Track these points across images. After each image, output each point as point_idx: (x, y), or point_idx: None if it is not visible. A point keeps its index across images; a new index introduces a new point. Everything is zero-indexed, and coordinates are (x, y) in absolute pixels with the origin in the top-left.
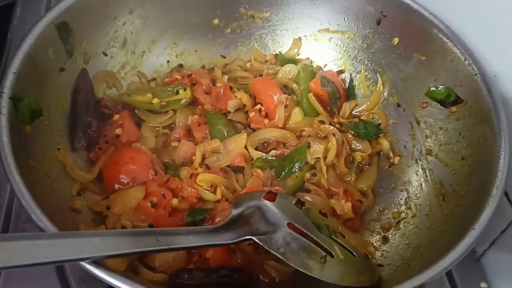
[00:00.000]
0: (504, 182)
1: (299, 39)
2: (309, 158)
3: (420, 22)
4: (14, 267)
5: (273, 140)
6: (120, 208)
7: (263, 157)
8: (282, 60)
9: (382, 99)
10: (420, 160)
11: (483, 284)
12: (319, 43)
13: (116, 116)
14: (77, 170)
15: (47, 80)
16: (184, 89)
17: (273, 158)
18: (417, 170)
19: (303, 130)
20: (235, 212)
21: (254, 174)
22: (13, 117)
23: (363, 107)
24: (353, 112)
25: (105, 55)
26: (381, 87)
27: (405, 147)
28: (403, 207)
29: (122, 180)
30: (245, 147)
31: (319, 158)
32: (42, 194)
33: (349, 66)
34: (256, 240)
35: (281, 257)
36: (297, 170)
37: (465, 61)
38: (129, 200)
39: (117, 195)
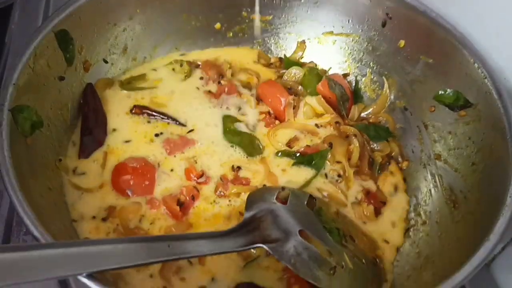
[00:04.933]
0: None
1: (303, 42)
2: (330, 162)
3: (426, 24)
4: (21, 282)
5: (294, 136)
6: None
7: (286, 150)
8: (287, 63)
9: (388, 103)
10: (429, 165)
11: None
12: (323, 46)
13: None
14: (78, 180)
15: (47, 89)
16: (181, 65)
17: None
18: (426, 176)
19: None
20: (247, 215)
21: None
22: (13, 129)
23: (369, 110)
24: (361, 115)
25: (106, 62)
26: (388, 91)
27: (413, 151)
28: (413, 214)
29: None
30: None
31: (341, 162)
32: (44, 208)
33: (354, 69)
34: (267, 249)
35: (291, 268)
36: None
37: (474, 63)
38: (126, 215)
39: (113, 209)
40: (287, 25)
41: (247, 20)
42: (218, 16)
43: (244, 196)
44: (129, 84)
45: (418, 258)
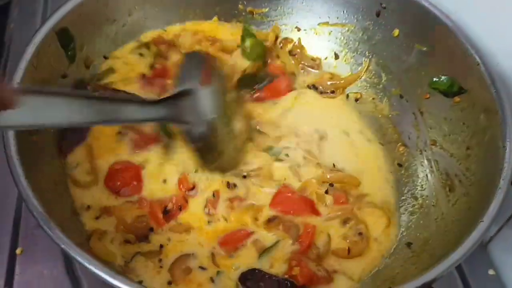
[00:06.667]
0: (511, 173)
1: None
2: None
3: (420, 12)
4: None
5: None
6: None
7: None
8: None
9: (384, 90)
10: (425, 151)
11: (491, 271)
12: (319, 36)
13: None
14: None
15: (50, 87)
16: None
17: None
18: (423, 161)
19: None
20: (177, 89)
21: None
22: None
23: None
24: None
25: (106, 58)
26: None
27: (409, 138)
28: (410, 199)
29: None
30: None
31: None
32: (51, 202)
33: (350, 58)
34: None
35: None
36: None
37: (466, 50)
38: (120, 214)
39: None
40: (283, 17)
41: (243, 13)
42: (215, 9)
43: (233, 218)
44: (98, 81)
45: (416, 241)
